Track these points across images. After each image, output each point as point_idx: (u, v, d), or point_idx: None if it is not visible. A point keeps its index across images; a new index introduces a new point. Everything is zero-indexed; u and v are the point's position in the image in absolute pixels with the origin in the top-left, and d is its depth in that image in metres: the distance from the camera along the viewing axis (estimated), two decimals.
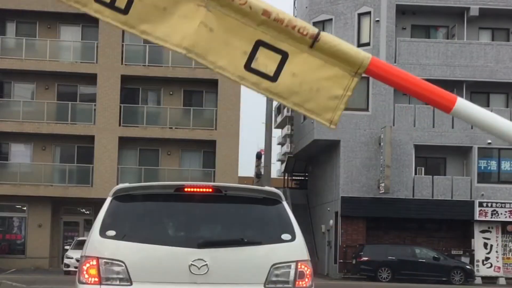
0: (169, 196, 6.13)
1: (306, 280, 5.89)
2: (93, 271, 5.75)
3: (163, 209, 6.17)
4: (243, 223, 6.18)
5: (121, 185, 6.31)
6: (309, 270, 5.92)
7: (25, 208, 35.03)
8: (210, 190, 6.10)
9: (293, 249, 5.91)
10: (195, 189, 6.09)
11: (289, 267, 5.83)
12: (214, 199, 6.12)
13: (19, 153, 35.75)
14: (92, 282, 5.75)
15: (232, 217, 6.18)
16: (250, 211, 6.23)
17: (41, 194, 34.34)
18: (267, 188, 6.41)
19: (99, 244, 5.84)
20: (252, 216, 6.25)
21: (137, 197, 6.19)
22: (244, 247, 5.86)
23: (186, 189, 6.10)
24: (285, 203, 6.20)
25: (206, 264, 5.65)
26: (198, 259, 5.65)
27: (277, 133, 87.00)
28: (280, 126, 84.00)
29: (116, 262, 5.72)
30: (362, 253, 29.49)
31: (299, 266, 5.85)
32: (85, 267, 5.78)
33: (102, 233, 5.85)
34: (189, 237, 5.93)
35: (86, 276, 5.78)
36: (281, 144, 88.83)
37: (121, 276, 5.74)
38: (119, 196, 6.09)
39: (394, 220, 31.81)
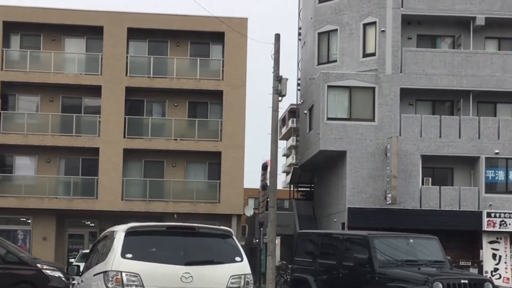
0: (163, 232, 9.42)
1: (250, 286, 9.46)
2: (118, 281, 8.83)
3: (161, 240, 9.27)
4: (211, 250, 9.42)
5: (131, 224, 9.41)
6: (251, 280, 9.51)
7: (29, 221, 34.87)
8: (188, 228, 9.51)
9: (242, 267, 9.37)
10: (178, 228, 9.54)
11: (240, 278, 9.28)
12: (192, 234, 9.43)
13: (24, 166, 35.61)
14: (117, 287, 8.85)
15: (204, 245, 9.41)
16: (214, 242, 9.52)
17: (45, 206, 34.18)
18: (222, 227, 9.89)
19: (122, 263, 8.88)
20: (216, 245, 9.49)
21: (142, 232, 9.36)
22: (214, 265, 9.25)
23: (173, 228, 9.52)
24: (234, 238, 9.66)
25: (191, 276, 8.99)
26: (186, 272, 9.00)
27: (281, 145, 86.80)
28: (285, 137, 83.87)
29: (134, 274, 8.81)
30: None
31: (246, 277, 9.34)
32: (112, 278, 8.82)
33: (123, 255, 8.92)
34: (179, 258, 9.07)
35: (113, 283, 8.85)
36: (286, 155, 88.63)
37: (136, 283, 8.86)
38: (129, 232, 9.21)
39: (401, 231, 31.30)
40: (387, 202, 30.65)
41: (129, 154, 34.93)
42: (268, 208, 25.83)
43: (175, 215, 34.43)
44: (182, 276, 8.88)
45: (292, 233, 36.90)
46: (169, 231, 9.39)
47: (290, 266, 17.87)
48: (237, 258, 9.39)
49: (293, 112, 65.64)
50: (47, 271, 17.77)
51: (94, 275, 9.68)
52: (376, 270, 14.11)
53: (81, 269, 11.55)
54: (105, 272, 8.94)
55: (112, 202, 34.32)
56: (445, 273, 14.24)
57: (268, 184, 28.80)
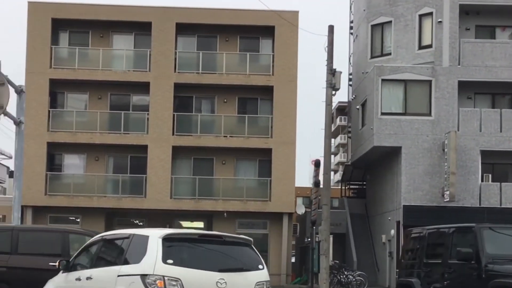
0: (195, 239, 9.95)
1: None
2: (161, 284, 9.27)
3: (194, 247, 9.77)
4: (238, 257, 10.05)
5: (166, 231, 9.78)
6: (270, 287, 10.30)
7: (78, 220, 34.60)
8: (216, 237, 10.16)
9: (264, 274, 10.10)
10: (208, 236, 10.19)
11: (263, 284, 10.02)
12: (220, 242, 10.03)
13: (73, 164, 35.40)
14: None
15: (231, 253, 10.02)
16: (239, 250, 10.13)
17: (94, 205, 33.90)
18: (243, 236, 10.50)
19: (164, 267, 9.30)
20: (241, 253, 10.12)
21: (177, 239, 9.81)
22: (243, 272, 9.89)
23: (204, 236, 10.08)
24: (252, 246, 10.32)
25: (225, 282, 9.53)
26: (221, 278, 9.52)
27: None
28: (333, 135, 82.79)
29: (175, 278, 9.28)
30: None
31: (267, 284, 10.09)
32: (154, 281, 9.24)
33: (164, 261, 9.31)
34: (213, 265, 9.61)
35: (155, 287, 9.26)
36: (334, 153, 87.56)
37: (178, 287, 9.31)
38: (166, 238, 9.59)
39: None
40: (445, 200, 29.59)
41: (177, 152, 34.42)
42: (322, 206, 24.99)
43: (225, 214, 33.83)
44: (217, 282, 9.46)
45: (344, 231, 36.02)
46: (200, 239, 9.97)
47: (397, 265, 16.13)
48: (260, 266, 10.11)
49: (341, 109, 64.54)
50: None
51: (119, 276, 9.70)
52: (483, 265, 12.37)
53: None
54: (144, 275, 9.29)
55: (160, 201, 33.86)
56: None
57: (321, 182, 27.95)
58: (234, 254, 10.07)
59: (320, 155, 31.15)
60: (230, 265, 9.88)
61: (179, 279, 9.23)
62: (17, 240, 15.06)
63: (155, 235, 9.65)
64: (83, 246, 11.59)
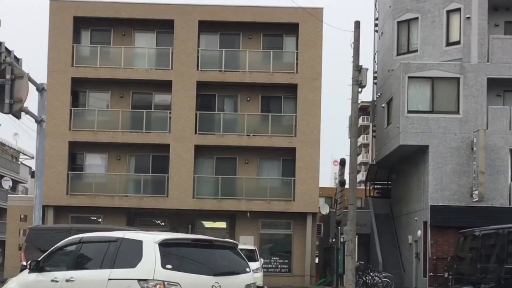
0: (189, 244, 10.11)
1: None
2: None
3: (188, 251, 9.91)
4: (228, 261, 10.32)
5: (161, 236, 9.79)
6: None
7: (100, 220, 34.27)
8: (207, 241, 10.27)
9: (251, 277, 10.51)
10: (201, 241, 10.28)
11: (251, 286, 10.38)
12: (211, 246, 10.24)
13: (94, 163, 35.12)
14: None
15: (221, 257, 10.25)
16: (228, 254, 10.40)
17: (116, 205, 33.57)
18: (230, 240, 11.33)
19: (163, 273, 9.37)
20: (230, 256, 10.38)
21: (173, 244, 9.84)
22: (234, 276, 10.18)
23: (196, 240, 10.27)
24: (238, 250, 10.63)
25: (220, 285, 9.77)
26: (216, 282, 9.75)
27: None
28: None
29: (174, 283, 9.38)
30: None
31: (254, 286, 10.47)
32: (154, 286, 9.28)
33: (163, 266, 9.38)
34: (208, 269, 9.82)
35: None
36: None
37: None
38: (163, 243, 9.63)
39: None
40: (474, 200, 28.96)
41: (200, 151, 34.01)
42: (348, 205, 24.45)
43: (248, 214, 33.38)
44: (213, 285, 9.67)
45: (368, 232, 35.45)
46: (193, 244, 10.14)
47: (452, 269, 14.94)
48: (247, 269, 10.45)
49: (363, 109, 63.74)
50: None
51: (111, 279, 9.68)
52: None
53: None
54: (143, 280, 9.33)
55: (183, 200, 33.47)
56: None
57: (347, 181, 27.40)
58: (224, 258, 10.34)
59: (341, 155, 30.72)
60: (222, 269, 10.14)
61: (178, 284, 9.36)
62: None
63: (149, 240, 9.69)
64: (55, 247, 11.21)
